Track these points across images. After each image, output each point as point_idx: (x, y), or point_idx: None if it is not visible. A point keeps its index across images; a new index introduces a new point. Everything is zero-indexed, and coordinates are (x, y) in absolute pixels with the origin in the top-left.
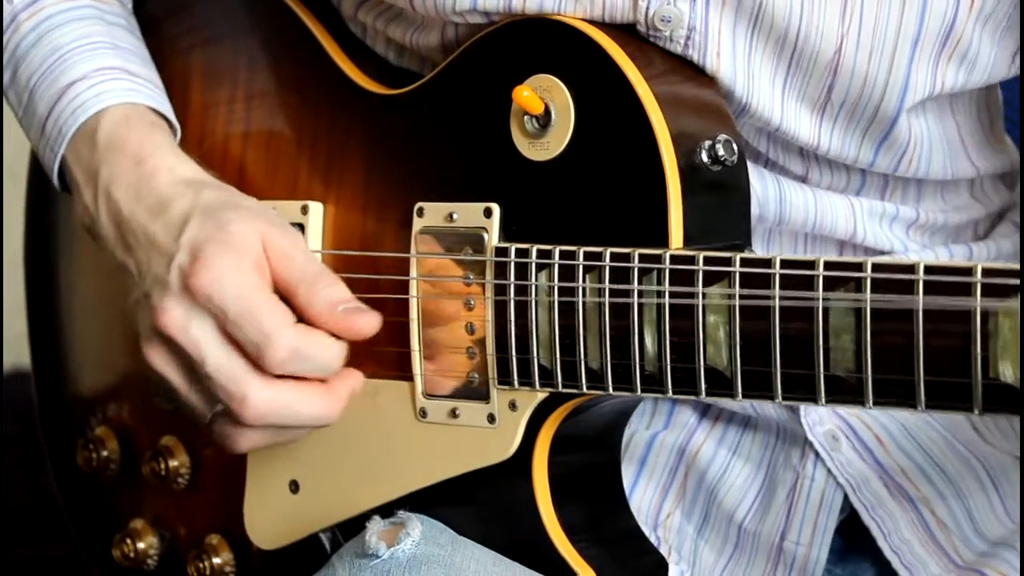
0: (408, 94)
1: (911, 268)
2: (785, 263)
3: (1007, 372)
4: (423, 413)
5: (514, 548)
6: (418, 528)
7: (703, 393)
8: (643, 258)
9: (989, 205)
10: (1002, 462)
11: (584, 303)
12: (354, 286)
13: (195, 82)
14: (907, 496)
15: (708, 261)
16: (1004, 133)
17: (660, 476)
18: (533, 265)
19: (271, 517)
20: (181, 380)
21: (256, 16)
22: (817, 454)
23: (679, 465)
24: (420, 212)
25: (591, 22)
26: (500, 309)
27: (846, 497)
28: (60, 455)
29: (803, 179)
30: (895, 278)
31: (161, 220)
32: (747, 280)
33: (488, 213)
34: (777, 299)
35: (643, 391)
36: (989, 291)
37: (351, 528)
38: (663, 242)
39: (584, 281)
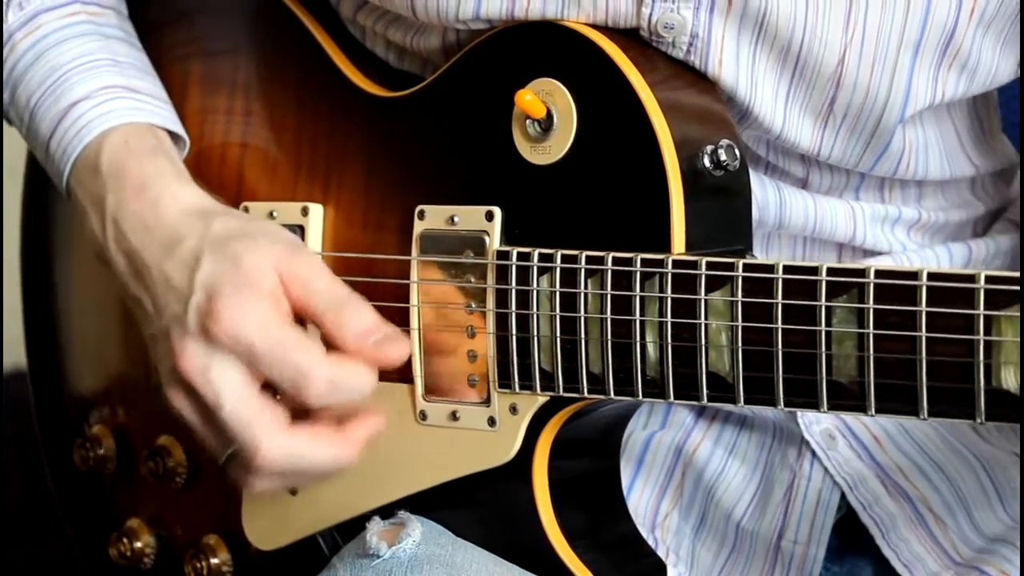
0: (409, 96)
1: (914, 275)
2: (788, 269)
3: (1009, 380)
4: (423, 416)
5: (513, 551)
6: (418, 528)
7: (705, 399)
8: (645, 263)
9: (989, 202)
10: (1000, 459)
11: (586, 308)
12: (354, 289)
13: (195, 83)
14: (905, 494)
15: (710, 266)
16: (1000, 131)
17: (657, 476)
18: (535, 269)
19: (269, 518)
20: (198, 421)
21: (256, 17)
22: (814, 453)
23: (676, 465)
24: (421, 215)
25: (594, 27)
26: (501, 313)
27: (843, 495)
28: (57, 454)
29: (803, 183)
30: (898, 284)
31: (174, 258)
32: (749, 286)
33: (490, 216)
34: (780, 305)
35: (644, 396)
36: (992, 298)
37: (350, 530)
38: (665, 247)
39: (586, 286)
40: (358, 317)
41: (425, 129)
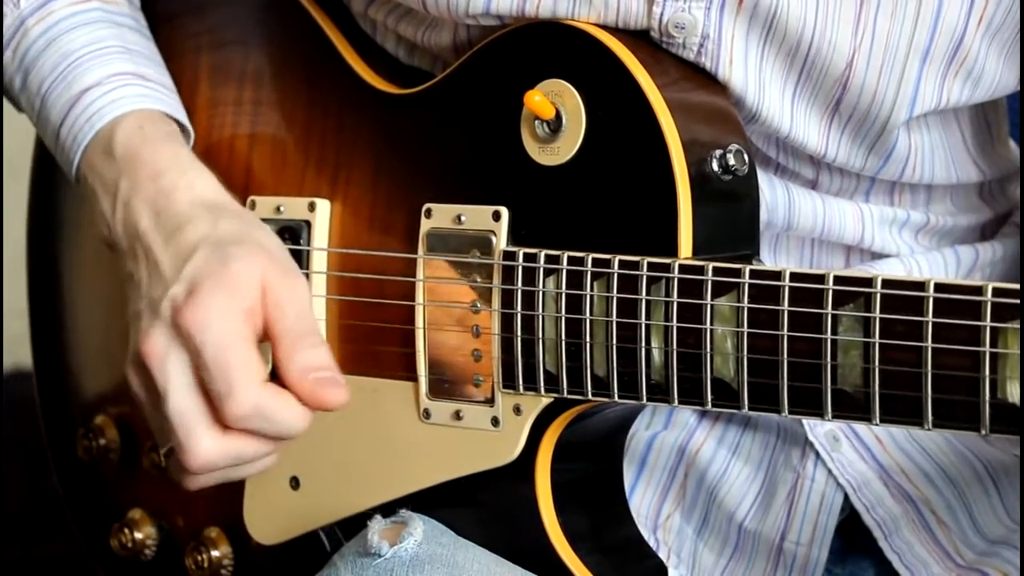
0: (419, 94)
1: (921, 285)
2: (795, 276)
3: (1014, 393)
4: (427, 414)
5: (514, 551)
6: (420, 527)
7: (709, 404)
8: (652, 267)
9: (997, 207)
10: (1002, 461)
11: (591, 310)
12: (359, 286)
13: (204, 76)
14: (908, 496)
15: (717, 272)
16: (1008, 137)
17: (660, 477)
18: (541, 270)
19: (271, 512)
20: (149, 407)
21: (268, 11)
22: (817, 454)
23: (679, 465)
24: (428, 213)
25: (604, 27)
26: (506, 313)
27: (846, 497)
28: (61, 445)
29: (813, 185)
30: (905, 295)
31: (171, 247)
32: (756, 292)
33: (497, 216)
34: (785, 312)
35: (649, 400)
36: (999, 310)
37: (351, 526)
38: (672, 251)
39: (592, 288)
40: (309, 354)
41: (433, 127)
